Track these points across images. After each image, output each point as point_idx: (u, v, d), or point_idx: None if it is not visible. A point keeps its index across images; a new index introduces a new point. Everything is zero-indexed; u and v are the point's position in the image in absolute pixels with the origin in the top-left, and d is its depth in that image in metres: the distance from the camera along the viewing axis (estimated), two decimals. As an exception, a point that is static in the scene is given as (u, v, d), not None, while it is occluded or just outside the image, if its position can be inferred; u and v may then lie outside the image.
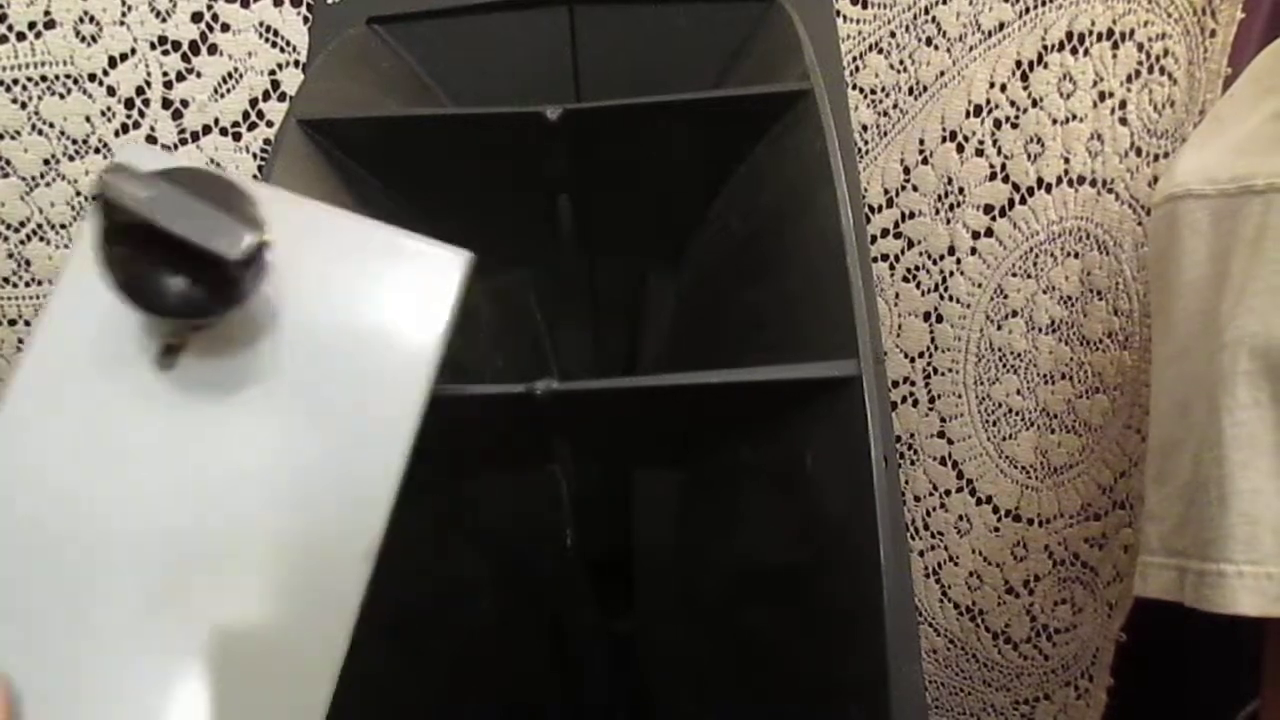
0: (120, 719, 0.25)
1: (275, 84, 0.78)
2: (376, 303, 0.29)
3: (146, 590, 0.25)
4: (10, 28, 0.76)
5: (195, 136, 0.78)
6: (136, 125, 0.78)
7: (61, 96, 0.77)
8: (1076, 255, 0.79)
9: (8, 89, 0.76)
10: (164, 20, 0.76)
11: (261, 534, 0.26)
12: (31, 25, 0.76)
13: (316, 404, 0.28)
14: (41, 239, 0.80)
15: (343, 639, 0.27)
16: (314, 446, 0.27)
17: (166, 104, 0.78)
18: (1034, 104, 0.77)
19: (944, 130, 0.78)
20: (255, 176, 0.79)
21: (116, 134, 0.77)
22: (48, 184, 0.79)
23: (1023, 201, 0.78)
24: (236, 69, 0.77)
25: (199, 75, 0.77)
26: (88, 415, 0.26)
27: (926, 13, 0.77)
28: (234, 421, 0.27)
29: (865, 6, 0.77)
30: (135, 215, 0.24)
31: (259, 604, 0.26)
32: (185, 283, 0.25)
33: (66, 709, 0.24)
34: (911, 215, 0.80)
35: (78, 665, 0.24)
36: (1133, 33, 0.75)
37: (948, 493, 0.84)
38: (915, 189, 0.80)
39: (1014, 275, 0.80)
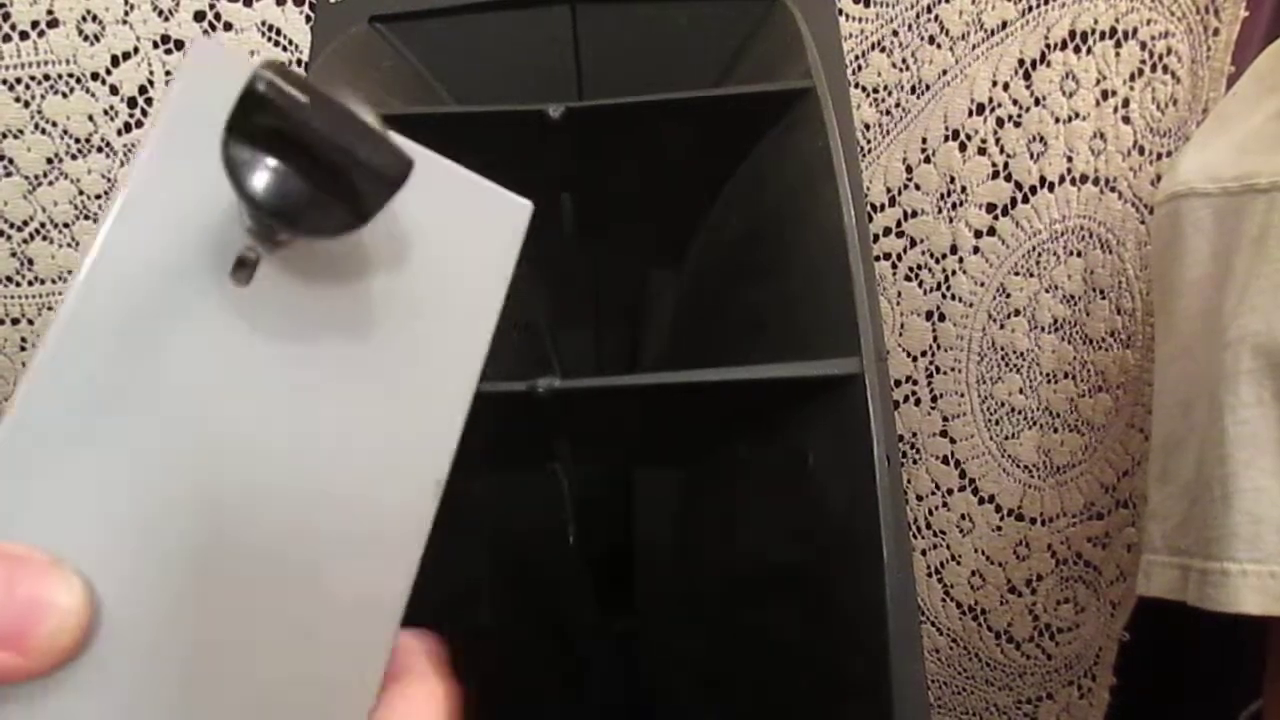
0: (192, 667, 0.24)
1: (278, 83, 0.78)
2: (449, 241, 0.29)
3: (205, 527, 0.24)
4: (14, 26, 0.76)
5: (198, 135, 0.78)
6: (139, 124, 0.78)
7: (64, 95, 0.77)
8: (1079, 254, 0.79)
9: (10, 88, 0.76)
10: (167, 19, 0.76)
11: (329, 466, 0.26)
12: (34, 24, 0.76)
13: (388, 334, 0.27)
14: (44, 238, 0.80)
15: (414, 560, 0.27)
16: (383, 377, 0.27)
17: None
18: (1037, 103, 0.77)
19: (946, 129, 0.78)
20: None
21: (119, 133, 0.78)
22: (50, 183, 0.79)
23: (1025, 200, 0.78)
24: (239, 68, 0.77)
25: (201, 74, 0.77)
26: (153, 327, 0.25)
27: (929, 11, 0.77)
28: (301, 347, 0.26)
29: (868, 5, 0.77)
30: (292, 117, 0.22)
31: (316, 548, 0.26)
32: (321, 196, 0.23)
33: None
34: (914, 214, 0.80)
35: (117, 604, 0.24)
36: (1135, 31, 0.75)
37: (950, 492, 0.84)
38: (918, 188, 0.80)
39: (1016, 274, 0.79)
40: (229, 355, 0.25)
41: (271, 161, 0.23)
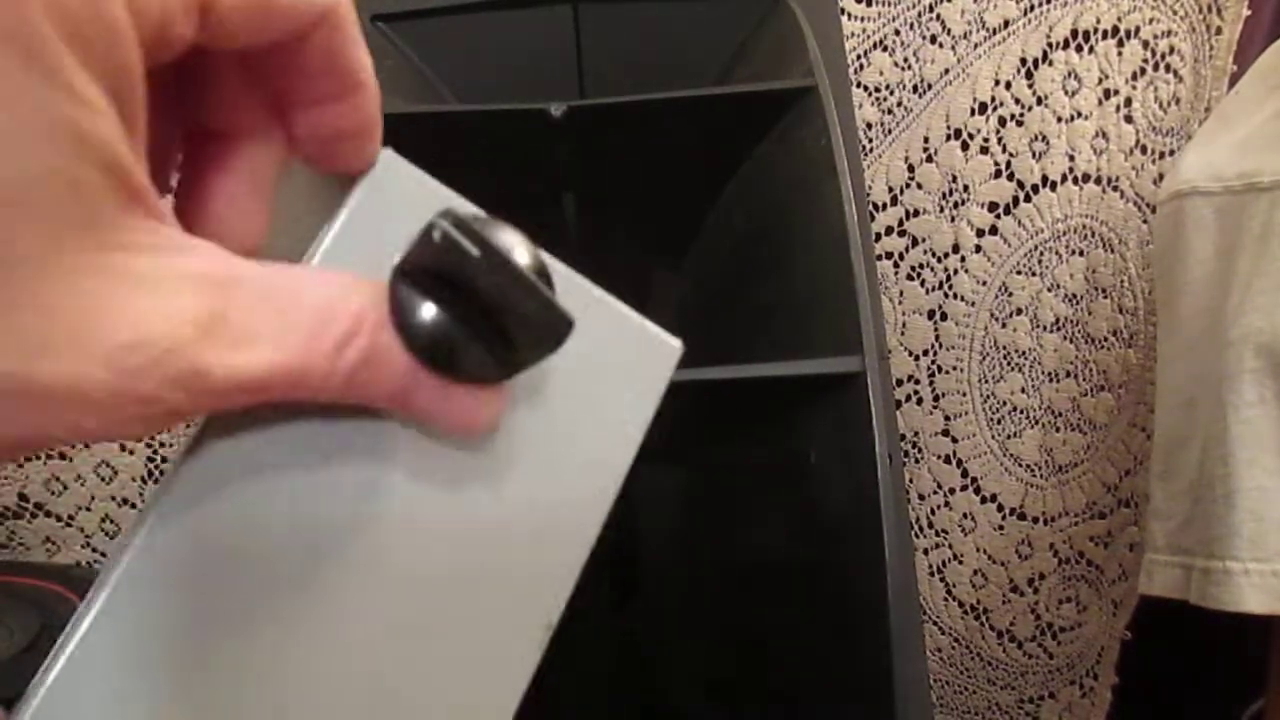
0: None
1: (280, 82, 0.78)
2: (593, 377, 0.27)
3: (315, 647, 0.24)
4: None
5: (200, 134, 0.78)
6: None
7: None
8: (1081, 253, 0.79)
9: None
10: (169, 18, 0.76)
11: (442, 599, 0.25)
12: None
13: (518, 471, 0.26)
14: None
15: (515, 702, 0.26)
16: (508, 514, 0.26)
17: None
18: (1039, 101, 0.77)
19: (949, 128, 0.78)
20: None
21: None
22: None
23: (1027, 199, 0.78)
24: (241, 67, 0.77)
25: (204, 73, 0.77)
26: (298, 456, 0.24)
27: (931, 10, 0.77)
28: (431, 476, 0.25)
29: (870, 4, 0.77)
30: (463, 272, 0.22)
31: (429, 671, 0.25)
32: (476, 347, 0.23)
33: None
34: (916, 213, 0.80)
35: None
36: (1138, 30, 0.75)
37: (952, 491, 0.84)
38: (920, 187, 0.80)
39: (1018, 273, 0.79)
40: (355, 480, 0.25)
41: (433, 307, 0.22)
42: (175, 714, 0.23)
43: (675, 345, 0.28)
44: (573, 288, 0.26)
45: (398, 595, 0.25)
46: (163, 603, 0.23)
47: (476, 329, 0.23)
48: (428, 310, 0.22)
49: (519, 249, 0.23)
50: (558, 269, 0.26)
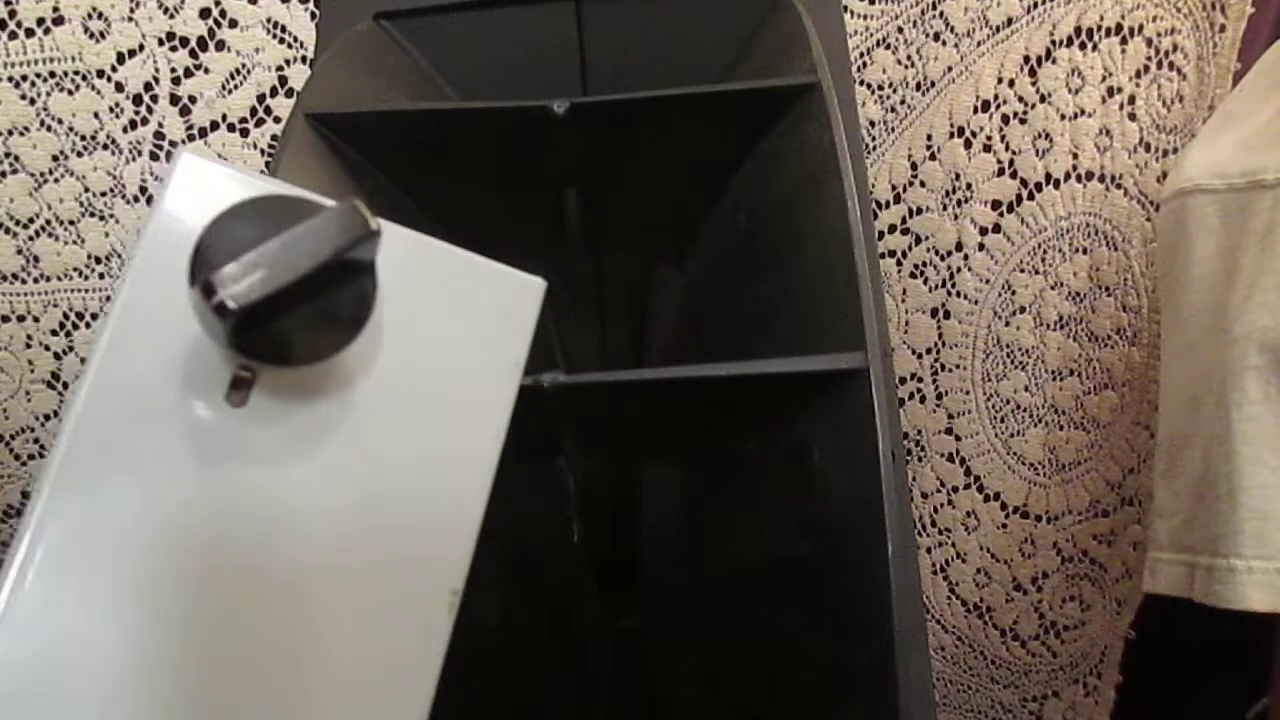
0: None
1: (283, 80, 0.78)
2: (455, 332, 0.27)
3: (225, 641, 0.24)
4: (19, 24, 0.76)
5: (203, 132, 0.78)
6: (144, 121, 0.78)
7: (70, 92, 0.77)
8: (1085, 251, 0.78)
9: (16, 85, 0.77)
10: (172, 16, 0.76)
11: (341, 581, 0.25)
12: (40, 21, 0.76)
13: (395, 439, 0.26)
14: (50, 235, 0.80)
15: (431, 678, 0.25)
16: (394, 485, 0.26)
17: (174, 100, 0.78)
18: (1042, 99, 0.77)
19: (952, 126, 0.78)
20: (262, 172, 0.80)
21: (124, 130, 0.78)
22: (56, 180, 0.79)
23: (1031, 197, 0.78)
24: (244, 65, 0.78)
25: (207, 71, 0.77)
26: (152, 461, 0.23)
27: (934, 8, 0.77)
28: (308, 461, 0.25)
29: (873, 2, 0.77)
30: (263, 296, 0.22)
31: (340, 649, 0.25)
32: (295, 334, 0.23)
33: None
34: (919, 211, 0.80)
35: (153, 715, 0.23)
36: (1141, 28, 0.75)
37: (955, 489, 0.84)
38: (923, 185, 0.80)
39: (1022, 271, 0.79)
40: (231, 477, 0.24)
41: (249, 319, 0.22)
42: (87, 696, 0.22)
43: (538, 282, 0.29)
44: (429, 249, 0.26)
45: (302, 579, 0.24)
46: (66, 589, 0.23)
47: (290, 314, 0.22)
48: (236, 315, 0.22)
49: (274, 204, 0.22)
50: (408, 235, 0.25)
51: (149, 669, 0.23)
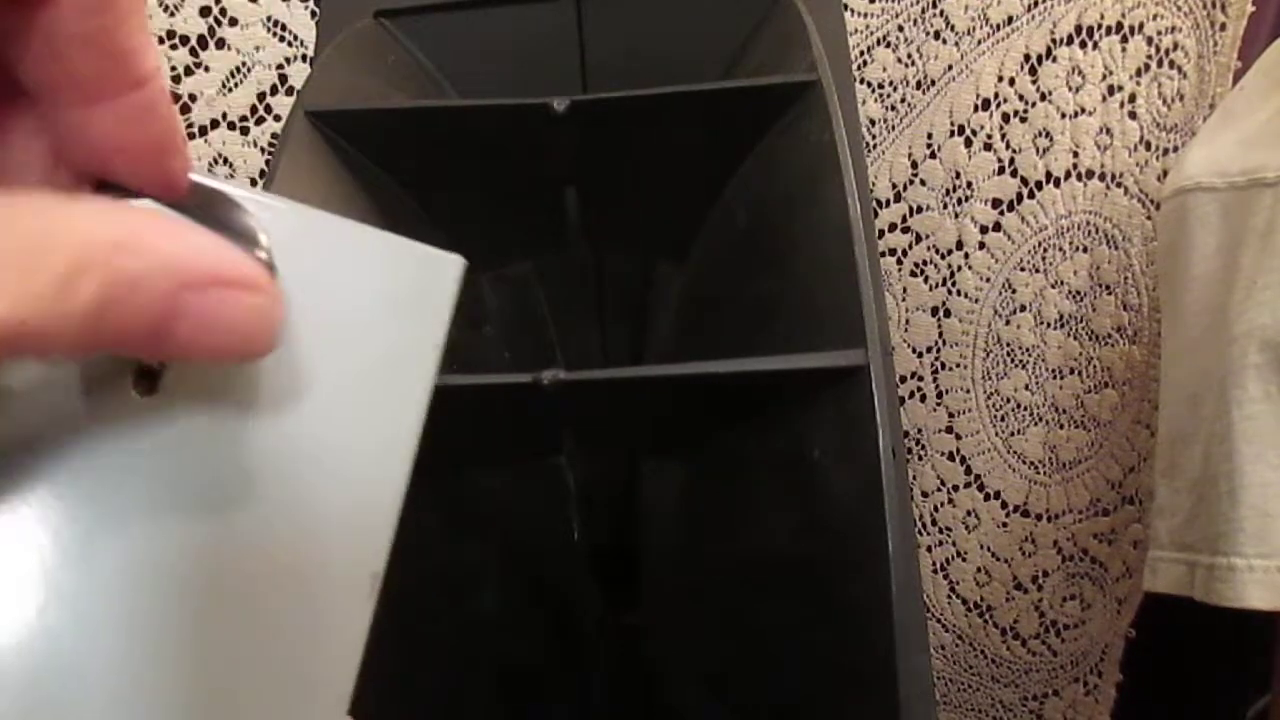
0: None
1: (283, 78, 0.78)
2: (370, 313, 0.27)
3: (142, 629, 0.23)
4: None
5: (203, 131, 0.78)
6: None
7: (70, 91, 0.77)
8: (1085, 250, 0.78)
9: (16, 83, 0.77)
10: (172, 14, 0.76)
11: (260, 563, 0.25)
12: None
13: (309, 423, 0.25)
14: (50, 233, 0.80)
15: (352, 665, 0.25)
16: (309, 469, 0.25)
17: (174, 98, 0.78)
18: (1042, 98, 0.77)
19: (952, 124, 0.78)
20: (263, 170, 0.80)
21: (125, 128, 0.78)
22: (56, 179, 0.79)
23: (1031, 196, 0.78)
24: (244, 63, 0.78)
25: (207, 69, 0.77)
26: (65, 454, 0.23)
27: (934, 6, 0.77)
28: (224, 444, 0.24)
29: (873, 0, 0.77)
30: None
31: (261, 635, 0.24)
32: None
33: None
34: (919, 210, 0.80)
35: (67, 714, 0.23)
36: (1142, 26, 0.75)
37: (956, 488, 0.84)
38: (923, 183, 0.80)
39: (1022, 270, 0.79)
40: (136, 470, 0.24)
41: None
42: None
43: (455, 259, 0.28)
44: (340, 227, 0.26)
45: (215, 565, 0.24)
46: None
47: None
48: None
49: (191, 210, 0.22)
50: (313, 214, 0.25)
51: (66, 664, 0.23)
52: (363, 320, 0.26)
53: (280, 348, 0.25)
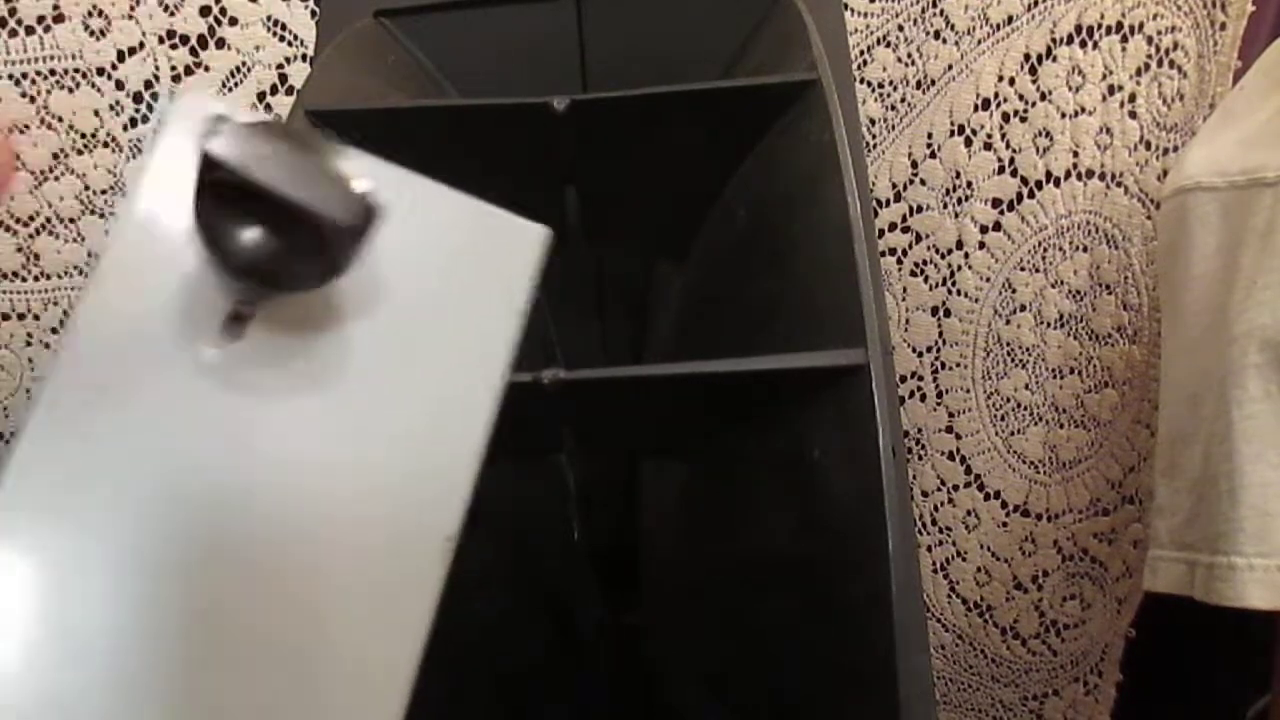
0: None
1: (283, 78, 0.78)
2: (456, 276, 0.27)
3: (207, 591, 0.23)
4: (20, 21, 0.76)
5: (203, 131, 0.78)
6: (145, 119, 0.78)
7: (70, 90, 0.77)
8: (1085, 249, 0.78)
9: (16, 83, 0.77)
10: (172, 14, 0.76)
11: (334, 524, 0.24)
12: (40, 19, 0.76)
13: (391, 381, 0.26)
14: (50, 233, 0.80)
15: (424, 626, 0.25)
16: (389, 428, 0.25)
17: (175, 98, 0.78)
18: (1043, 97, 0.77)
19: (952, 124, 0.78)
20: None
21: (125, 128, 0.78)
22: (56, 178, 0.79)
23: (1031, 195, 0.78)
24: (244, 63, 0.78)
25: (207, 69, 0.77)
26: (141, 398, 0.23)
27: (934, 6, 0.77)
28: (304, 400, 0.25)
29: (873, 0, 0.77)
30: (241, 174, 0.22)
31: (332, 600, 0.24)
32: (288, 251, 0.23)
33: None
34: (919, 209, 0.80)
35: (130, 673, 0.22)
36: (1142, 26, 0.75)
37: (956, 488, 0.84)
38: (923, 183, 0.80)
39: (1022, 269, 0.79)
40: (225, 415, 0.24)
41: (238, 224, 0.22)
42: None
43: (540, 229, 0.29)
44: (432, 192, 0.27)
45: (294, 521, 0.24)
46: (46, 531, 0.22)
47: (284, 237, 0.22)
48: (232, 230, 0.22)
49: (314, 145, 0.23)
50: (409, 178, 0.26)
51: (139, 613, 0.22)
52: (451, 281, 0.27)
53: (371, 303, 0.25)
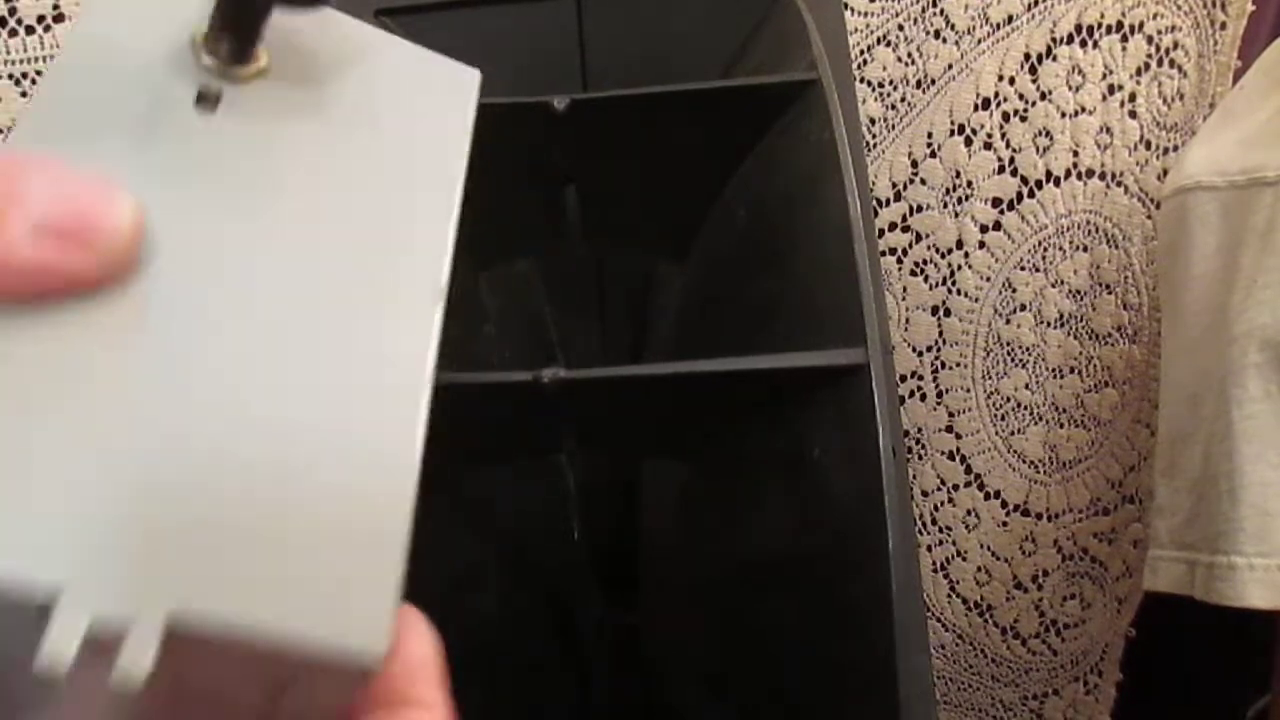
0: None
1: (282, 78, 0.78)
2: (401, 105, 0.30)
3: (184, 372, 0.22)
4: (20, 21, 0.76)
5: (203, 130, 0.78)
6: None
7: (70, 90, 0.77)
8: (1085, 249, 0.78)
9: (16, 82, 0.77)
10: (172, 14, 0.76)
11: (320, 278, 0.25)
12: (40, 19, 0.76)
13: (361, 149, 0.28)
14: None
15: (427, 381, 0.25)
16: (359, 207, 0.27)
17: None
18: (1043, 97, 0.77)
19: (952, 123, 0.78)
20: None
21: (124, 128, 0.78)
22: (56, 178, 0.79)
23: (1031, 195, 0.78)
24: (244, 63, 0.77)
25: (206, 69, 0.77)
26: (118, 164, 0.24)
27: (934, 5, 0.77)
28: (274, 183, 0.25)
29: (873, 0, 0.77)
30: None
31: (327, 354, 0.24)
32: None
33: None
34: (919, 209, 0.80)
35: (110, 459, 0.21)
36: (1142, 25, 0.75)
37: (955, 487, 0.84)
38: (923, 182, 0.80)
39: (1022, 269, 0.79)
40: (200, 182, 0.24)
41: None
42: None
43: (473, 71, 0.32)
44: (369, 33, 0.29)
45: (278, 281, 0.24)
46: None
47: None
48: None
49: None
50: (349, 21, 0.28)
51: (125, 371, 0.22)
52: (402, 109, 0.29)
53: (333, 120, 0.27)
